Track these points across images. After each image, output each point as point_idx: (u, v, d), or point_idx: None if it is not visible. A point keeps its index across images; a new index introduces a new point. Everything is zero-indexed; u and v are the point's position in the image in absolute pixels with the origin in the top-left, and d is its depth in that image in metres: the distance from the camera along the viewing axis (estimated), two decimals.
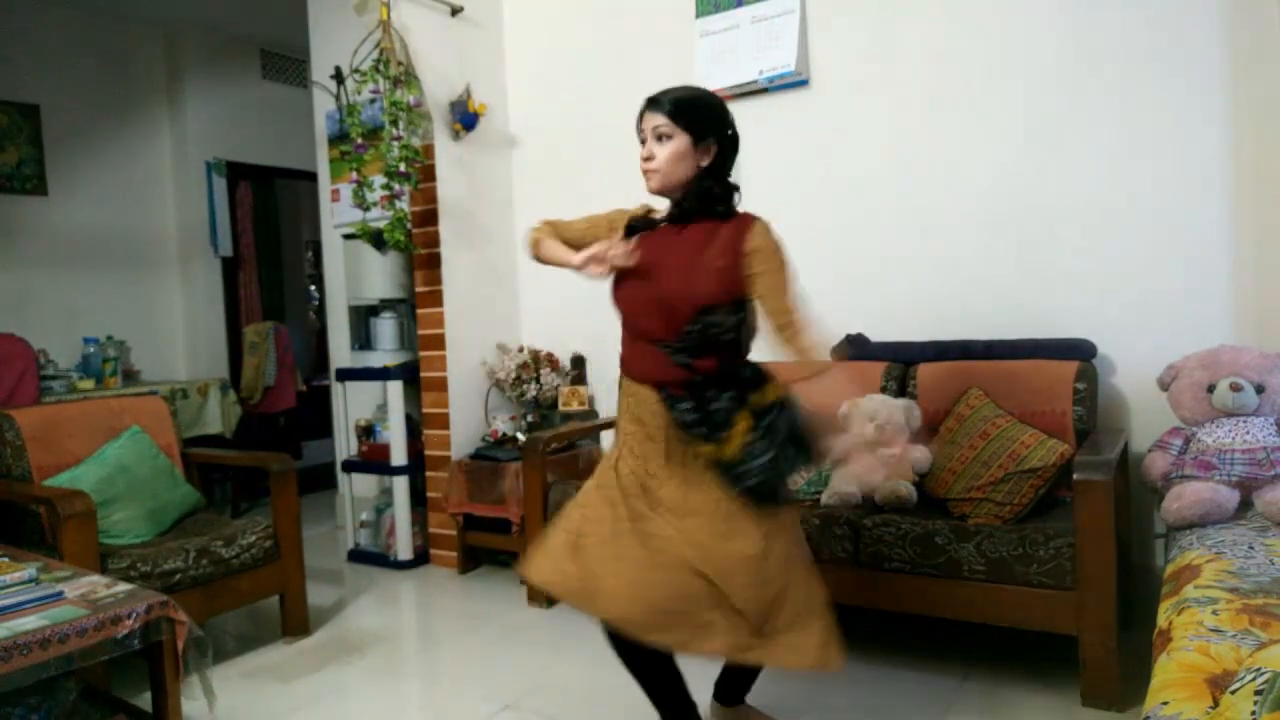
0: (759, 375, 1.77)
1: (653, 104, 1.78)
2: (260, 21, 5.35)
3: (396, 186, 3.46)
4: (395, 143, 3.41)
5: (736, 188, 1.83)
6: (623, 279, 1.80)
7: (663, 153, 1.75)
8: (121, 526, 2.67)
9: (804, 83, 3.27)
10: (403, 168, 3.42)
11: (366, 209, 3.50)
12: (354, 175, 3.52)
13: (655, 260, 1.77)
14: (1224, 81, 2.59)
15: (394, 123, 3.42)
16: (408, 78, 3.49)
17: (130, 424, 2.93)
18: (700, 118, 1.76)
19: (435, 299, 3.69)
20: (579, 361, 3.83)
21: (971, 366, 2.77)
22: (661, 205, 1.86)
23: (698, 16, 3.48)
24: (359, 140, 3.55)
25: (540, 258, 1.93)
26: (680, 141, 1.74)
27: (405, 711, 2.44)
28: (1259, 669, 1.03)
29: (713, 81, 3.27)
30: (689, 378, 1.73)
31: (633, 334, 1.82)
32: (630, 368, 1.83)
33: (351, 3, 3.62)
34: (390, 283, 3.90)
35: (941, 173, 3.02)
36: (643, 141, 1.79)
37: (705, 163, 1.77)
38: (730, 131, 1.80)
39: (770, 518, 1.74)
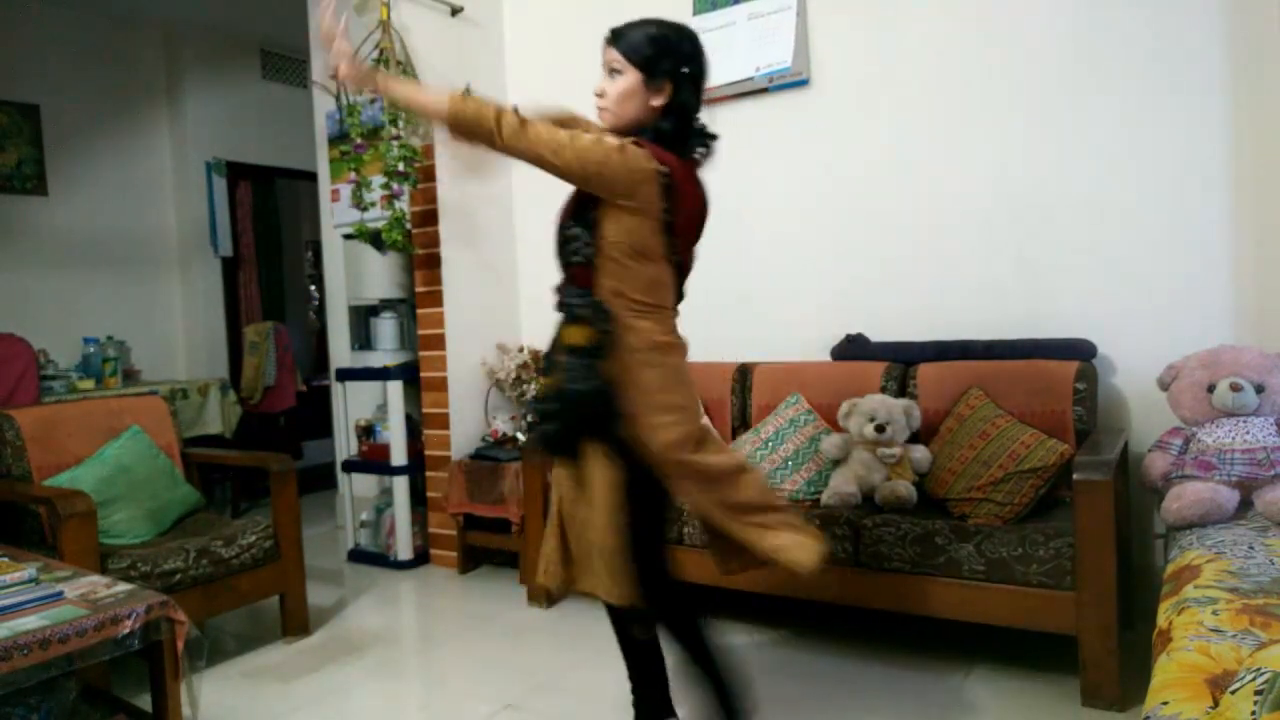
0: (592, 314, 1.68)
1: (612, 37, 1.72)
2: (260, 21, 5.35)
3: (395, 186, 3.46)
4: (394, 142, 3.41)
5: (703, 130, 1.75)
6: None
7: (612, 90, 1.70)
8: (121, 526, 2.67)
9: (804, 82, 3.27)
10: (401, 167, 3.42)
11: (365, 209, 3.49)
12: (352, 176, 3.52)
13: None
14: (1224, 81, 2.59)
15: (393, 122, 3.42)
16: (407, 77, 3.49)
17: (130, 424, 2.92)
18: (654, 54, 1.68)
19: (435, 299, 3.69)
20: None
21: (971, 366, 2.77)
22: None
23: (695, 14, 3.48)
24: (359, 140, 3.55)
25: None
26: (630, 78, 1.68)
27: (405, 711, 2.44)
28: (1259, 669, 1.03)
29: (710, 78, 3.28)
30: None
31: None
32: None
33: (351, 3, 3.62)
34: (390, 283, 3.89)
35: (942, 172, 3.02)
36: None
37: (658, 102, 1.70)
38: (687, 69, 1.71)
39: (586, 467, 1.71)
